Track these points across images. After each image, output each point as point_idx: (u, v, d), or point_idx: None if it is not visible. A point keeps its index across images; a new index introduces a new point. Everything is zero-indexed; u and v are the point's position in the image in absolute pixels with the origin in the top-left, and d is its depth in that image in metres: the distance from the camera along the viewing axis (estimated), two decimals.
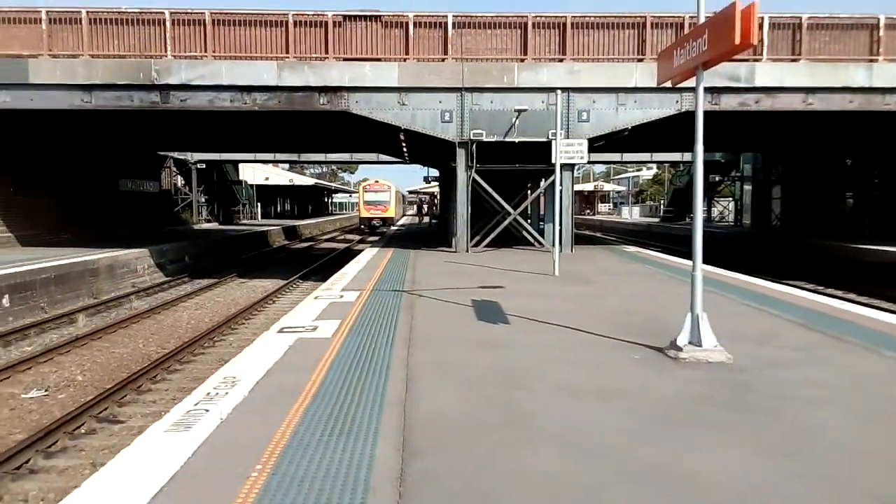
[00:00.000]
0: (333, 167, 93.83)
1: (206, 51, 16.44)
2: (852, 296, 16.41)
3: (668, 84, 7.25)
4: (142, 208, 29.57)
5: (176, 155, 35.86)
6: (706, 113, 16.82)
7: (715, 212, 46.70)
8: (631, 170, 76.10)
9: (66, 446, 7.36)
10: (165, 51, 16.44)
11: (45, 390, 9.42)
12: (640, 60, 16.80)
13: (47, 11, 16.29)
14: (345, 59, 16.61)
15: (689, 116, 6.26)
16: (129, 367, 10.58)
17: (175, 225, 34.53)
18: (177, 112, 17.26)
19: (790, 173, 30.20)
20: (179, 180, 38.76)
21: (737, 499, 3.33)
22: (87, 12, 16.33)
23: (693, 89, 6.33)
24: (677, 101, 16.70)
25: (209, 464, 3.70)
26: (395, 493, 3.32)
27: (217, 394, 5.01)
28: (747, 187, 36.71)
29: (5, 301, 13.40)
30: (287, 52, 16.53)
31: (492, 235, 18.38)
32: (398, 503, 3.22)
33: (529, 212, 22.70)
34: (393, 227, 42.12)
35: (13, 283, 13.74)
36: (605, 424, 4.40)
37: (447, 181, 25.37)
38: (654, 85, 15.56)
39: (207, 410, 4.59)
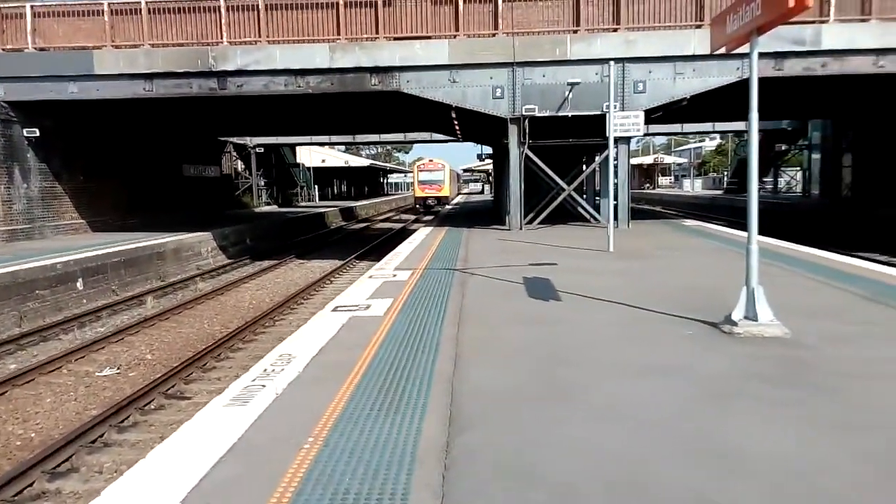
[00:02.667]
0: (388, 147, 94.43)
1: (260, 36, 16.73)
2: None
3: (723, 50, 7.00)
4: (204, 193, 30.47)
5: (235, 140, 36.76)
6: (770, 79, 16.11)
7: (781, 182, 44.90)
8: (693, 141, 73.74)
9: (138, 421, 7.76)
10: (221, 37, 16.82)
11: (118, 368, 9.93)
12: (698, 27, 16.21)
13: (109, 4, 16.87)
14: (395, 39, 16.65)
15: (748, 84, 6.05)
16: (194, 346, 11.03)
17: (236, 208, 35.49)
18: (234, 98, 17.68)
19: (861, 141, 28.73)
20: (239, 164, 39.75)
21: (784, 472, 3.27)
22: (147, 3, 16.81)
23: (750, 55, 6.09)
24: (738, 68, 16.09)
25: (265, 436, 3.86)
26: (440, 465, 3.39)
27: (273, 370, 5.20)
28: (815, 156, 35.13)
29: (79, 284, 14.12)
30: (338, 33, 16.67)
31: (546, 212, 18.23)
32: (443, 475, 3.29)
33: (585, 187, 22.45)
34: (448, 206, 42.21)
35: (86, 266, 14.45)
36: (652, 400, 4.37)
37: (500, 158, 25.22)
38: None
39: (264, 386, 4.77)
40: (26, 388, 8.94)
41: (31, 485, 6.12)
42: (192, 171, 29.32)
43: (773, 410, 4.14)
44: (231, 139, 35.77)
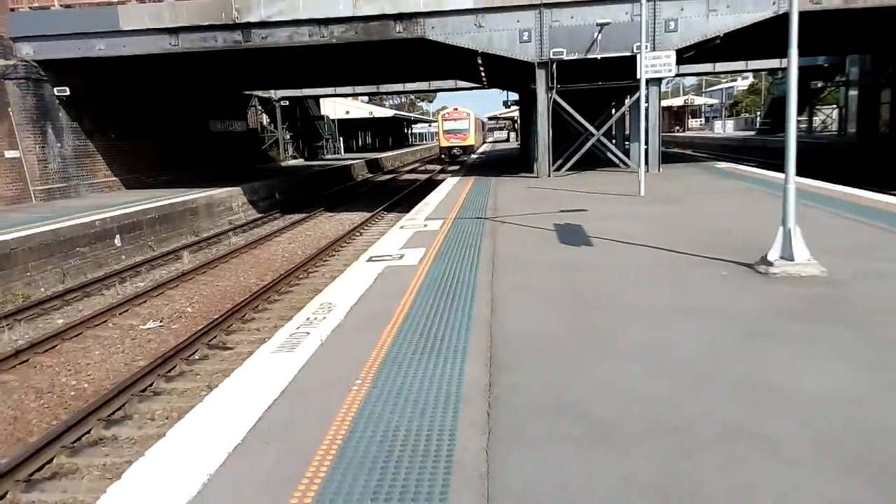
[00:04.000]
0: (412, 97, 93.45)
1: None
2: None
3: None
4: (232, 147, 30.65)
5: (260, 93, 36.68)
6: (807, 14, 15.50)
7: (817, 121, 43.67)
8: (724, 80, 71.74)
9: (184, 371, 8.05)
10: None
11: (160, 321, 10.25)
12: None
13: None
14: None
15: (788, 18, 5.89)
16: (232, 299, 11.30)
17: (264, 162, 35.66)
18: (259, 50, 17.61)
19: None
20: (265, 119, 39.75)
21: (822, 408, 3.33)
22: None
23: None
24: (774, 3, 15.52)
25: (314, 379, 4.02)
26: (484, 403, 3.52)
27: (316, 318, 5.35)
28: (853, 93, 33.97)
29: (117, 241, 14.47)
30: None
31: (574, 158, 18.04)
32: (488, 412, 3.42)
33: (614, 131, 22.06)
34: (474, 155, 41.91)
35: (123, 223, 14.76)
36: (686, 341, 4.44)
37: (527, 105, 24.86)
38: None
39: (308, 333, 4.93)
40: (75, 342, 9.29)
41: (88, 432, 6.43)
42: (219, 127, 29.44)
43: (810, 348, 4.19)
44: (256, 93, 35.71)
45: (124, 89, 21.34)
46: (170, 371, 7.97)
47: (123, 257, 14.56)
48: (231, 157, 29.93)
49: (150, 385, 7.56)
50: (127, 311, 10.73)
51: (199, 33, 16.73)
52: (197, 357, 8.53)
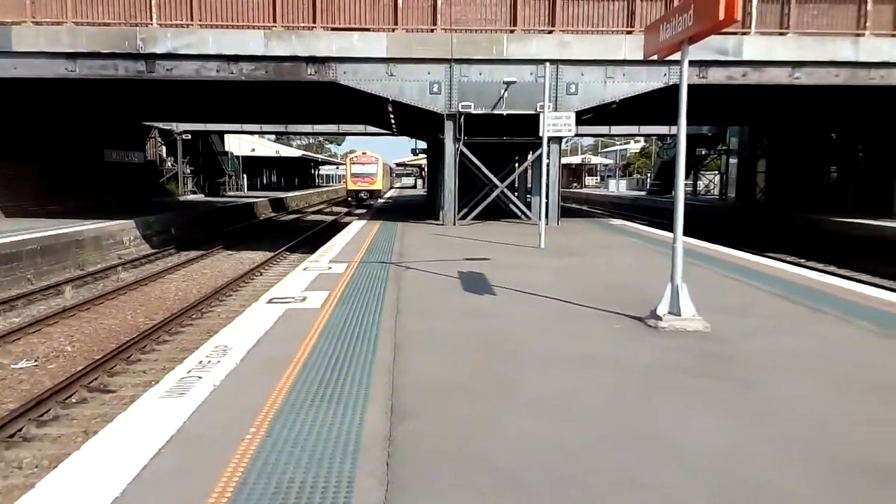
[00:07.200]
0: (320, 139, 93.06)
1: (192, 19, 16.20)
2: (832, 268, 16.71)
3: (655, 57, 7.30)
4: (127, 179, 29.29)
5: (161, 125, 35.47)
6: (693, 86, 16.79)
7: (700, 185, 46.95)
8: (619, 143, 76.13)
9: (59, 415, 7.46)
10: (151, 19, 16.18)
11: (35, 361, 9.49)
12: (629, 33, 16.77)
13: None
14: (333, 29, 16.47)
15: (677, 89, 6.35)
16: (118, 338, 10.65)
17: (161, 196, 34.26)
18: (162, 82, 17.09)
19: (775, 147, 30.39)
20: (164, 151, 38.41)
21: (706, 460, 3.50)
22: None
23: (680, 62, 6.40)
24: (665, 74, 16.75)
25: (204, 427, 3.82)
26: (383, 454, 3.47)
27: (209, 362, 5.12)
28: (733, 161, 36.87)
29: None
30: (274, 21, 16.35)
31: (479, 208, 18.47)
32: (387, 462, 3.36)
33: (517, 184, 22.85)
34: (380, 200, 42.04)
35: None
36: (583, 390, 4.58)
37: (435, 153, 25.36)
38: (642, 58, 15.66)
39: (201, 377, 4.71)
40: None
41: None
42: (113, 157, 28.13)
43: (695, 400, 4.42)
44: (157, 124, 34.51)
45: (12, 112, 20.06)
46: (42, 415, 7.37)
47: None
48: (126, 189, 28.58)
49: (20, 430, 6.95)
50: None
51: (100, 60, 16.04)
52: (74, 400, 7.94)
